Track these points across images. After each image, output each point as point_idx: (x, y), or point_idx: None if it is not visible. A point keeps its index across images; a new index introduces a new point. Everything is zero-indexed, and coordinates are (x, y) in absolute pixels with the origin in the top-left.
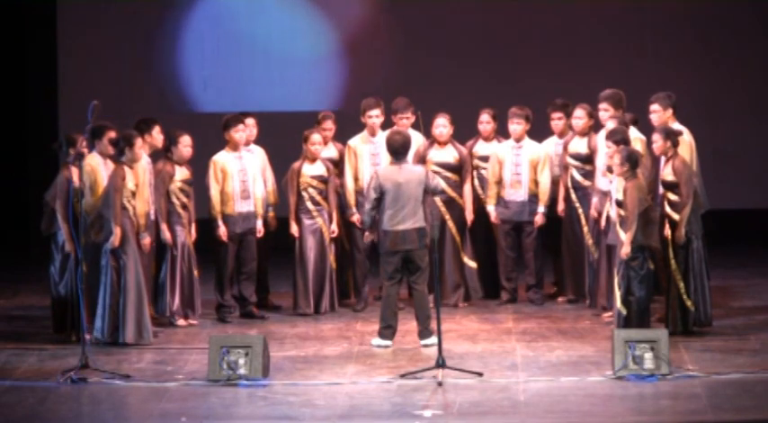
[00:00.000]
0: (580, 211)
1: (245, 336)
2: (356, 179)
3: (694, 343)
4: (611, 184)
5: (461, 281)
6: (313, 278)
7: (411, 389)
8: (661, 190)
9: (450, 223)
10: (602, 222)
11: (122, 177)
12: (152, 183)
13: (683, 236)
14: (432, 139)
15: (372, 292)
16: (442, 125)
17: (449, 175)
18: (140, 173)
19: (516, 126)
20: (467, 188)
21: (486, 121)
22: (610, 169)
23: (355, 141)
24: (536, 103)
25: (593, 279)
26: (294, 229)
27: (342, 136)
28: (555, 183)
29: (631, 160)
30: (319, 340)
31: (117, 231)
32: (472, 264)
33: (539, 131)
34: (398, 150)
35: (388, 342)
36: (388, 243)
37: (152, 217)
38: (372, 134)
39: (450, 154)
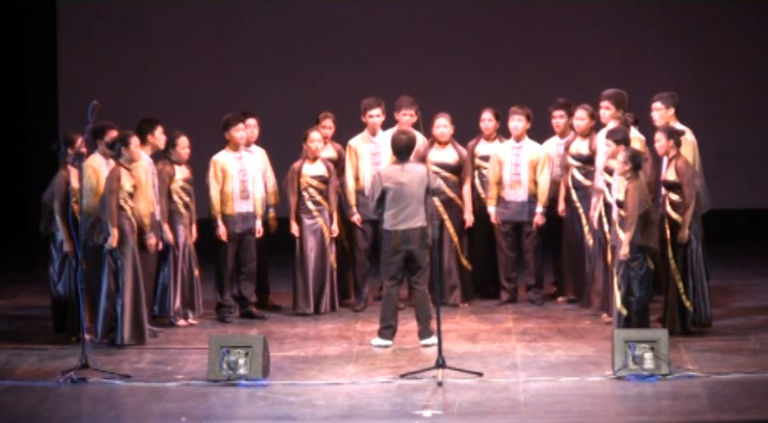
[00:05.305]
0: (581, 210)
1: (245, 336)
2: (357, 179)
3: (694, 343)
4: (611, 184)
5: (459, 281)
6: (313, 278)
7: (411, 389)
8: (663, 190)
9: (449, 224)
10: (594, 221)
11: (117, 178)
12: (155, 183)
13: (686, 236)
14: (432, 139)
15: (372, 292)
16: (442, 125)
17: (448, 175)
18: (141, 173)
19: (517, 123)
20: (466, 189)
21: (488, 119)
22: (608, 169)
23: (356, 141)
24: (537, 102)
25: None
26: (295, 228)
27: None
28: (556, 183)
29: (635, 161)
30: (319, 340)
31: (114, 232)
32: (467, 265)
33: (540, 131)
34: (402, 150)
35: (388, 342)
36: (390, 243)
37: (157, 217)
38: (373, 134)
39: (449, 154)
